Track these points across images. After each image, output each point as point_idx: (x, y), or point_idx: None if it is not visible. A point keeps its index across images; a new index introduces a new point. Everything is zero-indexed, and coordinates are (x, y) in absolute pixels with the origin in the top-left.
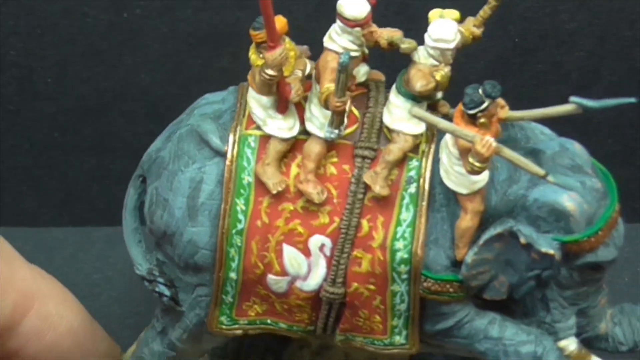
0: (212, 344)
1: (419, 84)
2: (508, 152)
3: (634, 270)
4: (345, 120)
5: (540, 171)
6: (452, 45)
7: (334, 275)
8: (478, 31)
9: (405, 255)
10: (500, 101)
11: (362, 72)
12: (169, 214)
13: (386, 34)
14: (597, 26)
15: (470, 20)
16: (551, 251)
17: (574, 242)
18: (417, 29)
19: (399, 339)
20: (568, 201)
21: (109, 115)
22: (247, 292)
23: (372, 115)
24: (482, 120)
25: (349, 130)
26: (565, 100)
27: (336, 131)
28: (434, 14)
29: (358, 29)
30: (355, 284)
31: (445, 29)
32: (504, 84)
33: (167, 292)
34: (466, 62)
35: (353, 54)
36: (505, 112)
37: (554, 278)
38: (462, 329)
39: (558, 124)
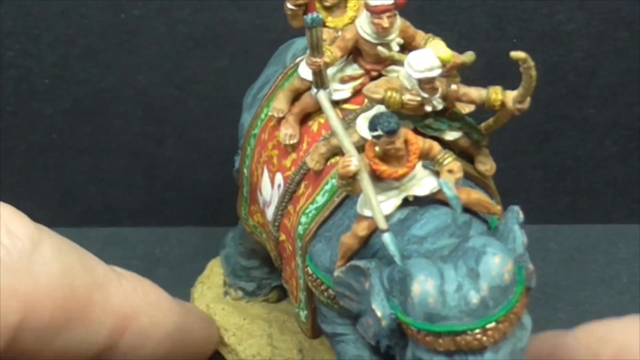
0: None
1: (368, 87)
2: (366, 186)
3: (631, 270)
4: (339, 86)
5: (382, 225)
6: (416, 75)
7: (274, 217)
8: (512, 105)
9: (301, 232)
10: (450, 164)
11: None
12: (248, 94)
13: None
14: (594, 27)
15: (513, 92)
16: (379, 312)
17: (407, 325)
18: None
19: (302, 315)
20: (417, 283)
21: (106, 116)
22: (253, 194)
23: (371, 106)
24: (376, 148)
25: (350, 107)
26: (563, 100)
27: (315, 90)
28: (432, 43)
29: (368, 13)
30: (283, 236)
31: (419, 58)
32: (502, 84)
33: (236, 163)
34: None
35: (367, 37)
36: (447, 175)
37: (402, 355)
38: (337, 345)
39: (555, 123)
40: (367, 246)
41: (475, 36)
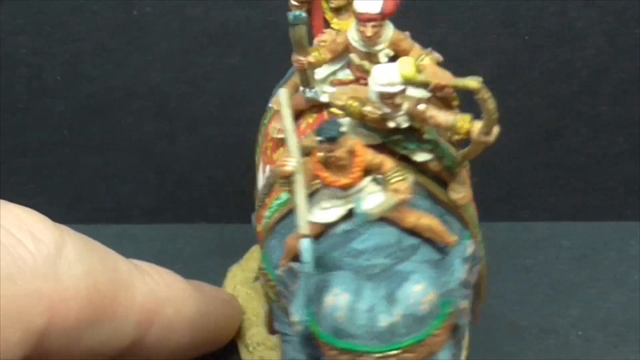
0: None
1: (333, 92)
2: (297, 189)
3: None
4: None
5: (303, 230)
6: (376, 88)
7: (257, 207)
8: (477, 136)
9: (263, 226)
10: (397, 184)
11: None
12: (278, 84)
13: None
14: (606, 24)
15: (480, 122)
16: (295, 316)
17: (315, 335)
18: (415, 28)
19: (264, 309)
20: (332, 295)
21: (117, 113)
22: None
23: None
24: (320, 153)
25: (337, 111)
26: (575, 97)
27: (301, 89)
28: (401, 59)
29: (355, 20)
30: (259, 227)
31: (383, 71)
32: (514, 81)
33: None
34: (475, 60)
35: (354, 44)
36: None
37: None
38: (282, 344)
39: (567, 121)
40: None
41: (485, 34)
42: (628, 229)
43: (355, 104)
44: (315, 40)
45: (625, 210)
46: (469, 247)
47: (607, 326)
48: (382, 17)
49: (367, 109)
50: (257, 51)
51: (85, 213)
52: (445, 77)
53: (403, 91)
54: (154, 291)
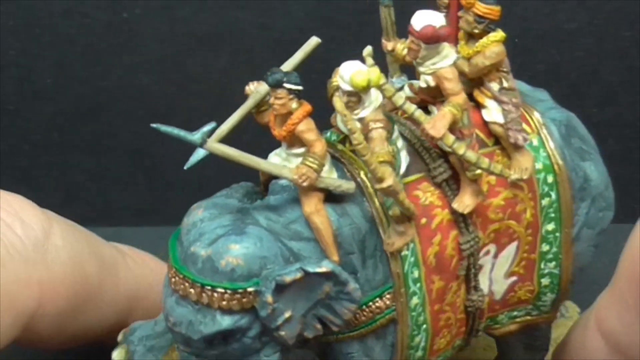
0: None
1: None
2: (241, 107)
3: None
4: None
5: (214, 137)
6: (338, 77)
7: None
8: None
9: None
10: (300, 165)
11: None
12: None
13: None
14: (595, 26)
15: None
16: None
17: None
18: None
19: None
20: (196, 205)
21: (107, 115)
22: None
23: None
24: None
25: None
26: (564, 99)
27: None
28: (371, 68)
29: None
30: None
31: (348, 64)
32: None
33: None
34: None
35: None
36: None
37: None
38: None
39: None
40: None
41: None
42: (620, 231)
43: (336, 84)
44: None
45: (617, 212)
46: (322, 268)
47: None
48: (417, 36)
49: (338, 93)
50: (246, 53)
51: (75, 215)
52: (438, 131)
53: (353, 94)
54: (138, 276)
